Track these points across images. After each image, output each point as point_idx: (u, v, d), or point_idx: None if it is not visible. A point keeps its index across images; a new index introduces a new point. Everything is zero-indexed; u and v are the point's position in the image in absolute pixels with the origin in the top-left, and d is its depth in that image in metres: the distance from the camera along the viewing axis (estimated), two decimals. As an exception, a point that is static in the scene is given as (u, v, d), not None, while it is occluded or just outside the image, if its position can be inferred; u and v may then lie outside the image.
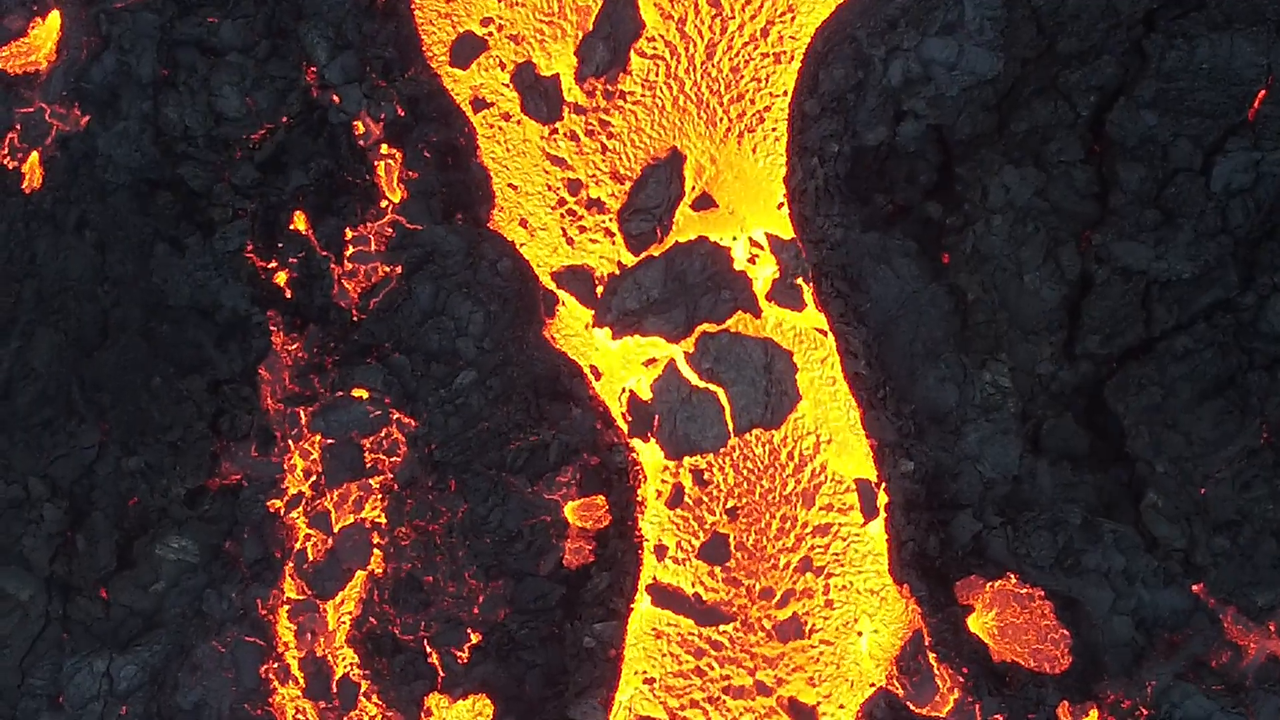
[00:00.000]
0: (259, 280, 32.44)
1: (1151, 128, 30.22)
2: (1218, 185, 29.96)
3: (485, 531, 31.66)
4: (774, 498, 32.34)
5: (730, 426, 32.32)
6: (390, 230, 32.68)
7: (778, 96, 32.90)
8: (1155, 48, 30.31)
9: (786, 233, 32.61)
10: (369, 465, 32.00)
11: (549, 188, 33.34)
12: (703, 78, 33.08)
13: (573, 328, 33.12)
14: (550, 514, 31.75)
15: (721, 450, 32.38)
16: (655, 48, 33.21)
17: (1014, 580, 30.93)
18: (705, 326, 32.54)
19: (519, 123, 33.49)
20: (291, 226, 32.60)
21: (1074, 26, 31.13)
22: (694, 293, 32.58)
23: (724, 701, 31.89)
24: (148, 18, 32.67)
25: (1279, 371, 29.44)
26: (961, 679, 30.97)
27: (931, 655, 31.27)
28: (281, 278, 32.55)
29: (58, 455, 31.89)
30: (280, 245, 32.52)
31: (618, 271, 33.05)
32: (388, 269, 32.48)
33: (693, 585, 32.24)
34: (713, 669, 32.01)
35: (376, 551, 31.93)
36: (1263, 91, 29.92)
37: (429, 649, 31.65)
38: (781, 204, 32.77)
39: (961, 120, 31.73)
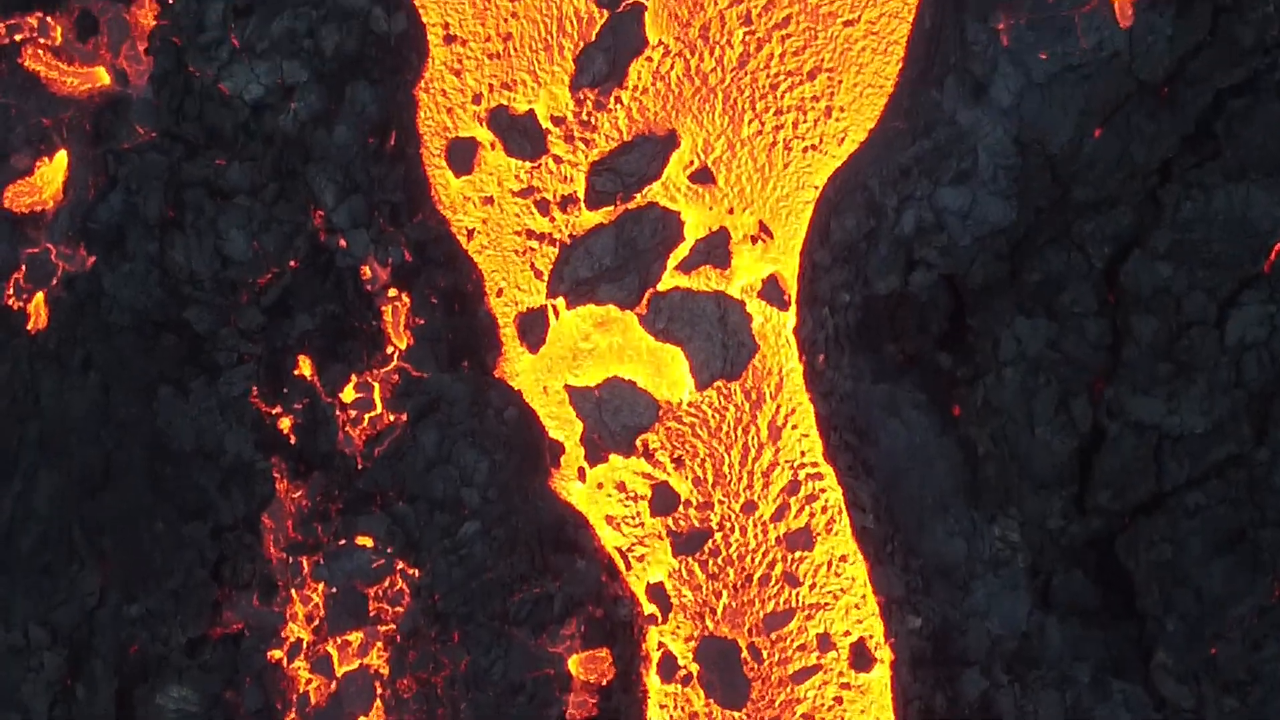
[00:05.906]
0: (263, 425, 32.16)
1: (1166, 279, 29.93)
2: (1232, 338, 29.68)
3: (488, 684, 31.33)
4: (727, 434, 31.79)
5: (651, 395, 32.18)
6: (396, 377, 32.40)
7: (823, 148, 32.05)
8: (1170, 197, 30.05)
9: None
10: (372, 614, 31.71)
11: (516, 232, 32.93)
12: (733, 82, 32.10)
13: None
14: (554, 667, 31.40)
15: (661, 414, 32.14)
16: (674, 46, 32.26)
17: (1022, 740, 30.62)
18: (657, 287, 32.34)
19: (498, 178, 33.06)
20: (296, 372, 32.34)
21: (1089, 175, 30.85)
22: (646, 258, 32.29)
23: (745, 589, 30.54)
24: (155, 158, 32.43)
25: (1291, 530, 29.19)
26: (967, 841, 30.69)
27: (937, 817, 31.00)
28: (286, 423, 32.27)
29: (58, 601, 31.64)
30: (285, 390, 32.26)
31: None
32: (393, 416, 32.23)
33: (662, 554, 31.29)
34: (725, 573, 30.89)
35: (378, 703, 31.63)
36: (1278, 244, 29.62)
37: (430, 804, 31.44)
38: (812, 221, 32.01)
39: (974, 269, 31.39)
